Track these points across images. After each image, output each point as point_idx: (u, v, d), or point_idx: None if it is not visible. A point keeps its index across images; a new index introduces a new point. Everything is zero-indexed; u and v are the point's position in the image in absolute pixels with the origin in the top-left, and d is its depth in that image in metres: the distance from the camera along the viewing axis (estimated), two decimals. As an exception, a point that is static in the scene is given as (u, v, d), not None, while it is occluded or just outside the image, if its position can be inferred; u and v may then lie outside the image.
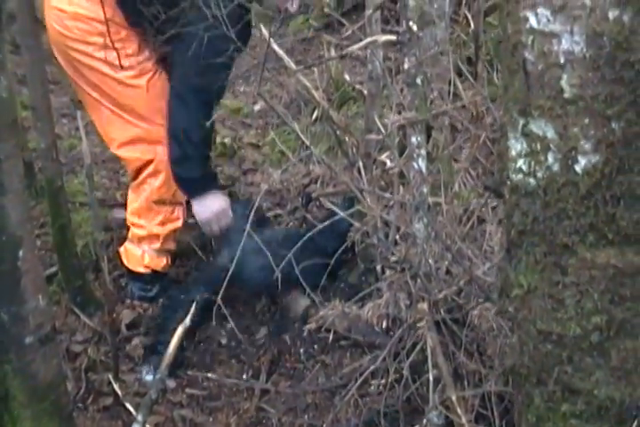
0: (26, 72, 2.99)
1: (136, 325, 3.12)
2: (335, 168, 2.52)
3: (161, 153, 3.04)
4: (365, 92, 3.65)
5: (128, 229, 3.26)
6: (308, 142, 2.26)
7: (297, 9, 3.18)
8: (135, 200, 3.19)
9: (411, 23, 2.65)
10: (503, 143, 1.30)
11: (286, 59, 2.93)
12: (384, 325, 2.60)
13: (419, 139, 2.55)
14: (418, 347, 2.40)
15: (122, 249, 3.25)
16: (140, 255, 3.21)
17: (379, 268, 2.82)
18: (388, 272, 2.62)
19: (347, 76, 4.22)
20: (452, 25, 3.94)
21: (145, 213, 3.18)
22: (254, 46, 5.24)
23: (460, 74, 3.97)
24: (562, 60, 1.17)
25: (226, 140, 4.03)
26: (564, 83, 1.18)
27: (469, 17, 4.09)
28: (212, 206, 3.06)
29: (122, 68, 2.98)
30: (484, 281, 2.31)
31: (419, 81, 2.60)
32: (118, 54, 2.95)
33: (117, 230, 3.42)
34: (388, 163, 3.05)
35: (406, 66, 2.70)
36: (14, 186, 2.07)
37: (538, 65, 1.20)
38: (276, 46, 2.63)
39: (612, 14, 1.12)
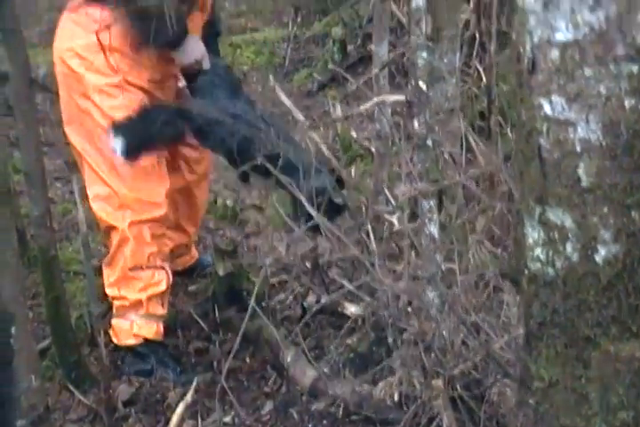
0: (19, 135, 3.03)
1: (133, 401, 3.09)
2: (343, 237, 2.56)
3: (127, 218, 3.11)
4: (373, 149, 3.71)
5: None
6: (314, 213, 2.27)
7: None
8: (112, 274, 3.21)
9: (420, 82, 2.71)
10: (519, 230, 1.32)
11: (294, 109, 2.98)
12: (397, 399, 2.61)
13: (430, 203, 2.59)
14: (434, 424, 2.41)
15: (111, 328, 3.26)
16: (128, 327, 3.20)
17: (390, 340, 2.83)
18: (400, 346, 2.64)
19: (354, 133, 4.29)
20: (463, 78, 4.01)
21: (124, 283, 3.19)
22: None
23: (472, 129, 4.03)
24: (578, 149, 1.20)
25: (228, 202, 4.08)
26: (581, 171, 1.21)
27: (481, 70, 4.16)
28: (192, 52, 3.18)
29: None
30: (501, 356, 2.32)
31: (429, 142, 2.65)
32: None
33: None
34: (396, 224, 3.08)
35: (416, 126, 2.75)
36: (8, 260, 2.10)
37: (554, 153, 1.23)
38: (284, 97, 2.68)
39: (628, 103, 1.16)
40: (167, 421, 2.83)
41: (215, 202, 4.06)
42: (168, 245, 3.35)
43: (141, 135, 3.09)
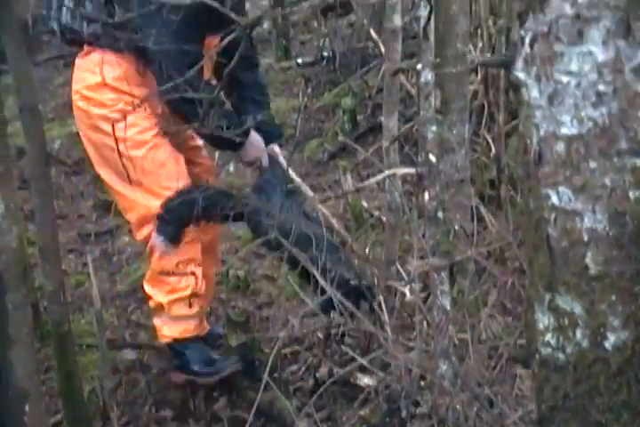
0: (34, 209, 3.08)
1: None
2: (356, 310, 2.58)
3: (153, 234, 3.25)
4: (384, 219, 3.74)
5: (137, 369, 3.33)
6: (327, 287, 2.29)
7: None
8: (148, 271, 3.39)
9: (430, 155, 2.75)
10: (530, 316, 1.34)
11: (305, 187, 3.03)
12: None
13: (442, 275, 2.61)
14: None
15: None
16: (159, 327, 3.38)
17: (404, 412, 2.83)
18: (413, 419, 2.64)
19: (364, 203, 4.32)
20: (472, 148, 4.05)
21: (154, 283, 3.35)
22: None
23: (482, 198, 4.06)
24: (585, 238, 1.23)
25: (239, 273, 4.09)
26: (588, 260, 1.24)
27: (490, 139, 4.20)
28: (252, 151, 3.30)
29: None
30: (515, 431, 2.32)
31: (440, 215, 2.68)
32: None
33: (126, 373, 3.46)
34: (409, 295, 3.10)
35: (427, 199, 2.78)
36: (22, 338, 2.12)
37: (561, 242, 1.26)
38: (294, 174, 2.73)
39: (632, 194, 1.19)
40: None
41: (227, 273, 4.07)
42: (199, 251, 3.42)
43: (184, 220, 3.19)
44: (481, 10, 4.33)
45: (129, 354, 3.64)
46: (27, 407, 2.13)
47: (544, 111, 1.24)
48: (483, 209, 3.71)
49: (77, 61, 3.33)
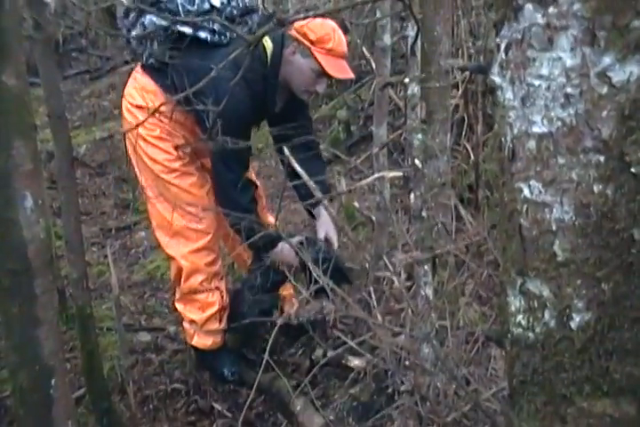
0: (61, 206, 3.07)
1: (160, 446, 3.09)
2: (347, 298, 2.55)
3: (182, 248, 3.26)
4: (374, 218, 3.72)
5: (152, 350, 3.32)
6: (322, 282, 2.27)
7: (325, 89, 3.26)
8: (177, 292, 3.39)
9: (416, 160, 2.73)
10: (503, 299, 1.32)
11: (308, 179, 2.99)
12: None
13: (425, 268, 2.59)
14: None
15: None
16: (190, 335, 3.42)
17: (390, 390, 2.81)
18: (398, 396, 2.61)
19: (356, 204, 4.30)
20: (453, 155, 4.04)
21: (185, 302, 3.38)
22: (270, 176, 5.37)
23: (461, 199, 4.05)
24: (554, 227, 1.21)
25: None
26: (556, 247, 1.21)
27: (469, 148, 4.19)
28: (284, 257, 3.21)
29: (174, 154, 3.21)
30: (488, 407, 2.29)
31: (424, 214, 2.66)
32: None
33: (141, 354, 3.44)
34: (396, 282, 3.08)
35: (412, 199, 2.76)
36: (49, 318, 2.10)
37: (532, 231, 1.23)
38: (299, 168, 2.70)
39: (596, 188, 1.17)
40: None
41: (233, 266, 4.05)
42: (220, 266, 3.43)
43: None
44: (462, 32, 4.33)
45: (144, 336, 3.66)
46: (53, 382, 2.12)
47: (517, 111, 1.22)
48: (462, 209, 3.70)
49: (136, 75, 3.26)
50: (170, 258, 3.33)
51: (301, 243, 3.13)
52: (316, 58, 3.00)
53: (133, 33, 3.13)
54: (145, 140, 3.15)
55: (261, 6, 3.31)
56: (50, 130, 2.82)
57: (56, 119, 2.80)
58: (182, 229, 3.23)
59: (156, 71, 3.11)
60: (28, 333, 2.07)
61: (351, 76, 3.14)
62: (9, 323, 2.08)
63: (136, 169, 3.29)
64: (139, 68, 3.22)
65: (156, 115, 2.91)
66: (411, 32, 2.80)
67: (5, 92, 1.90)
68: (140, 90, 3.18)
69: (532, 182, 1.22)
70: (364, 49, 5.50)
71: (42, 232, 2.05)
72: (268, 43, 3.06)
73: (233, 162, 3.07)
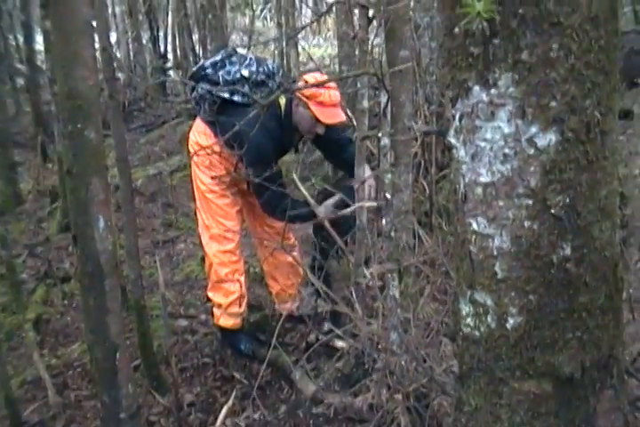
0: (123, 224, 3.05)
1: (194, 403, 3.06)
2: (335, 297, 2.54)
3: (214, 248, 3.22)
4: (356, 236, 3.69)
5: (188, 333, 3.29)
6: (317, 284, 2.24)
7: (323, 131, 3.17)
8: (210, 283, 3.33)
9: (387, 194, 2.72)
10: (456, 306, 1.31)
11: (310, 199, 2.96)
12: (370, 407, 2.55)
13: (393, 275, 2.57)
14: (394, 423, 2.34)
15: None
16: (217, 317, 3.33)
17: (366, 366, 2.78)
18: (373, 370, 2.58)
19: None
20: (414, 190, 4.03)
21: (214, 290, 3.31)
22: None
23: (420, 223, 4.03)
24: (495, 253, 1.20)
25: (257, 270, 4.04)
26: (497, 268, 1.20)
27: (425, 184, 4.18)
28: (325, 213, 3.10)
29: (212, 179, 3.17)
30: (440, 380, 2.27)
31: (392, 234, 2.64)
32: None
33: (181, 335, 3.41)
34: (372, 285, 3.05)
35: (384, 223, 2.74)
36: (115, 308, 2.12)
37: (479, 255, 1.22)
38: (303, 189, 2.67)
39: (526, 224, 1.16)
40: (216, 417, 2.78)
41: (248, 270, 4.02)
42: (241, 265, 3.36)
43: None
44: (420, 99, 4.33)
45: (182, 322, 3.62)
46: (117, 355, 2.14)
47: (468, 165, 1.21)
48: (420, 231, 3.68)
49: (197, 122, 3.26)
50: (205, 254, 3.31)
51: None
52: (310, 109, 3.02)
53: (193, 95, 3.17)
54: (198, 167, 3.18)
55: (281, 70, 3.30)
56: (117, 169, 2.82)
57: (121, 161, 2.80)
58: (216, 234, 3.23)
59: (209, 122, 3.14)
60: (101, 319, 2.09)
61: (341, 119, 3.17)
62: (87, 311, 2.11)
63: (194, 185, 3.28)
64: (198, 119, 3.24)
65: (208, 151, 3.00)
66: (383, 98, 2.79)
67: (87, 143, 1.93)
68: (198, 133, 3.20)
69: (479, 219, 1.21)
70: (348, 110, 5.50)
71: (110, 245, 2.06)
72: (282, 99, 3.09)
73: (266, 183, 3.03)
